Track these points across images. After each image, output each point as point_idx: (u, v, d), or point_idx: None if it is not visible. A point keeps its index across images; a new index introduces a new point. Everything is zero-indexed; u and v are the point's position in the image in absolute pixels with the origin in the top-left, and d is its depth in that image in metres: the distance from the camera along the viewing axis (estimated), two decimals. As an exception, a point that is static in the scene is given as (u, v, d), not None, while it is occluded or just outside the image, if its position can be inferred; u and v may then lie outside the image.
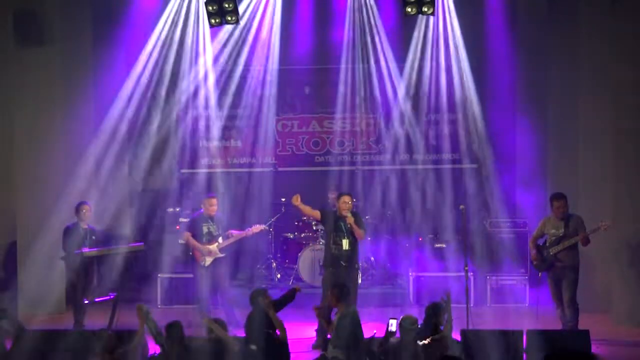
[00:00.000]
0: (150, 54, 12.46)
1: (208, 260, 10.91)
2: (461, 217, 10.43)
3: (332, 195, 12.75)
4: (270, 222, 13.34)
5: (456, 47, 12.66)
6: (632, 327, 10.82)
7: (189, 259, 11.34)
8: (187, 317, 10.78)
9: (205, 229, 10.95)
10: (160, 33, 12.46)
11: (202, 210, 11.08)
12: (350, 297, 9.30)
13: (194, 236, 10.95)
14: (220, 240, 10.97)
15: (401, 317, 8.41)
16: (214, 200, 11.03)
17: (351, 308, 8.99)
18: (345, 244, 10.29)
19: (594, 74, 11.68)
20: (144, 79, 12.52)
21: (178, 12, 12.45)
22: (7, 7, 11.86)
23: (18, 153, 12.02)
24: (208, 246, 10.92)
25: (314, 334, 10.12)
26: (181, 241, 12.12)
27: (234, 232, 11.18)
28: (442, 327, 8.38)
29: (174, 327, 8.33)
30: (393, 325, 8.32)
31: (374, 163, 14.24)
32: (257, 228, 11.26)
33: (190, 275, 11.58)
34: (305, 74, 14.26)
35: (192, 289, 11.37)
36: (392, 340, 8.31)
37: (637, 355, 9.71)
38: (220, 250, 10.97)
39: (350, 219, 10.28)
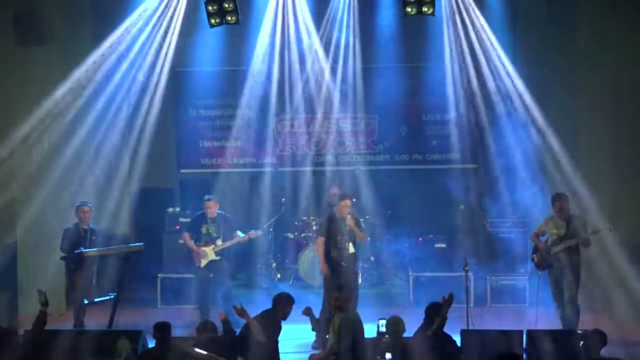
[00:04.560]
0: (150, 53, 12.44)
1: (203, 262, 10.89)
2: (461, 217, 10.43)
3: (333, 191, 12.73)
4: (270, 222, 13.34)
5: (457, 47, 12.65)
6: (632, 327, 10.81)
7: (189, 259, 11.33)
8: (187, 317, 10.83)
9: (204, 230, 10.93)
10: (160, 32, 12.44)
11: (202, 211, 11.07)
12: (354, 299, 9.30)
13: (192, 237, 10.94)
14: (218, 242, 10.93)
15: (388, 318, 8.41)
16: (211, 203, 10.95)
17: (354, 311, 8.99)
18: (350, 247, 10.32)
19: (593, 74, 11.68)
20: (144, 79, 12.50)
21: (178, 12, 12.43)
22: (7, 7, 11.84)
23: (18, 153, 12.00)
24: (203, 248, 10.89)
25: (314, 333, 10.10)
26: (181, 241, 12.12)
27: (238, 235, 11.07)
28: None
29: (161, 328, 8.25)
30: (383, 325, 8.34)
31: (374, 163, 14.24)
32: (253, 234, 11.17)
33: (190, 275, 11.56)
34: (305, 74, 14.24)
35: (192, 289, 11.37)
36: (384, 340, 8.32)
37: (637, 355, 9.70)
38: (217, 252, 10.90)
39: (351, 222, 10.28)
